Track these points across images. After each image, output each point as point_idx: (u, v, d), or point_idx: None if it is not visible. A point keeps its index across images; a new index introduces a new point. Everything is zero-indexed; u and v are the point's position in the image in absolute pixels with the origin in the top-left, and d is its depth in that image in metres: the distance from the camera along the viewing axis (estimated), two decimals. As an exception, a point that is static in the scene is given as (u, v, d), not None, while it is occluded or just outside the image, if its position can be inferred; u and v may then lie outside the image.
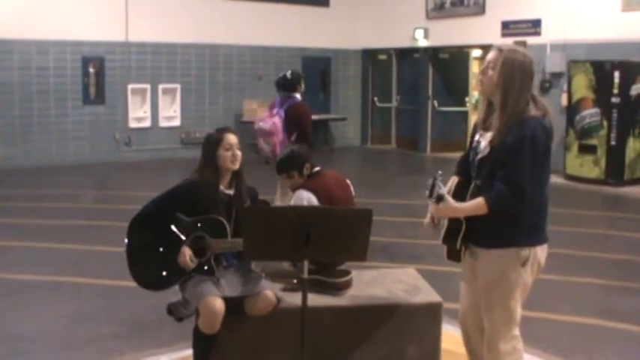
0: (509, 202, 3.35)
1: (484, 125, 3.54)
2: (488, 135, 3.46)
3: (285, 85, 7.44)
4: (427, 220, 3.61)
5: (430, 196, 3.45)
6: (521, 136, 3.32)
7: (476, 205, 3.41)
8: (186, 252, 3.99)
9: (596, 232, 9.03)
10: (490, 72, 3.43)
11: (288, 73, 7.55)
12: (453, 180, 3.67)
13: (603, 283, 6.74)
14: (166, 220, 4.03)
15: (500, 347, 3.52)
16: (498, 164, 3.37)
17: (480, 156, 3.49)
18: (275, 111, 7.40)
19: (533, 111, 3.40)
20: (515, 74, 3.37)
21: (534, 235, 3.48)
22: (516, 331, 3.57)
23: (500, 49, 3.45)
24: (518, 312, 3.54)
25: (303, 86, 7.57)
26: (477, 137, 3.58)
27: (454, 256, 3.63)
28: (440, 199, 3.43)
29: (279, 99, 7.48)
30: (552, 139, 3.44)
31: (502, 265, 3.46)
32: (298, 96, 7.44)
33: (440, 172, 3.48)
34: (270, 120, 7.32)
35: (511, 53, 3.43)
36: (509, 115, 3.37)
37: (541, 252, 3.51)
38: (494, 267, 3.48)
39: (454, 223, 3.52)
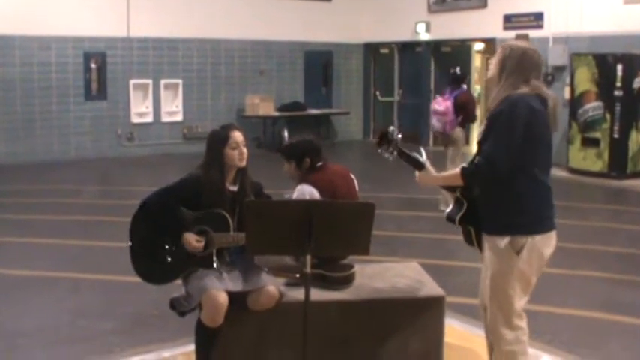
0: (480, 175, 3.40)
1: None
2: None
3: (456, 79, 9.43)
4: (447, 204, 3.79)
5: (379, 145, 3.68)
6: (499, 110, 3.38)
7: (454, 174, 3.54)
8: (190, 236, 3.97)
9: (599, 225, 9.01)
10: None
11: (457, 69, 9.58)
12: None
13: (607, 276, 6.72)
14: (170, 213, 4.01)
15: (501, 333, 3.53)
16: (484, 141, 3.44)
17: (478, 138, 3.55)
18: (446, 96, 9.21)
19: (522, 90, 3.41)
20: (512, 55, 3.48)
21: (532, 224, 3.46)
22: (522, 323, 3.55)
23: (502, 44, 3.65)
24: (518, 302, 3.51)
25: (468, 78, 9.97)
26: None
27: (467, 239, 3.69)
28: (421, 167, 3.61)
29: (450, 88, 9.35)
30: (543, 119, 3.42)
31: (497, 251, 3.47)
32: (464, 87, 9.60)
33: (392, 127, 3.76)
34: (444, 103, 9.14)
35: (509, 42, 3.63)
36: (498, 92, 3.44)
37: (542, 241, 3.48)
38: (490, 252, 3.50)
39: (459, 201, 3.60)
